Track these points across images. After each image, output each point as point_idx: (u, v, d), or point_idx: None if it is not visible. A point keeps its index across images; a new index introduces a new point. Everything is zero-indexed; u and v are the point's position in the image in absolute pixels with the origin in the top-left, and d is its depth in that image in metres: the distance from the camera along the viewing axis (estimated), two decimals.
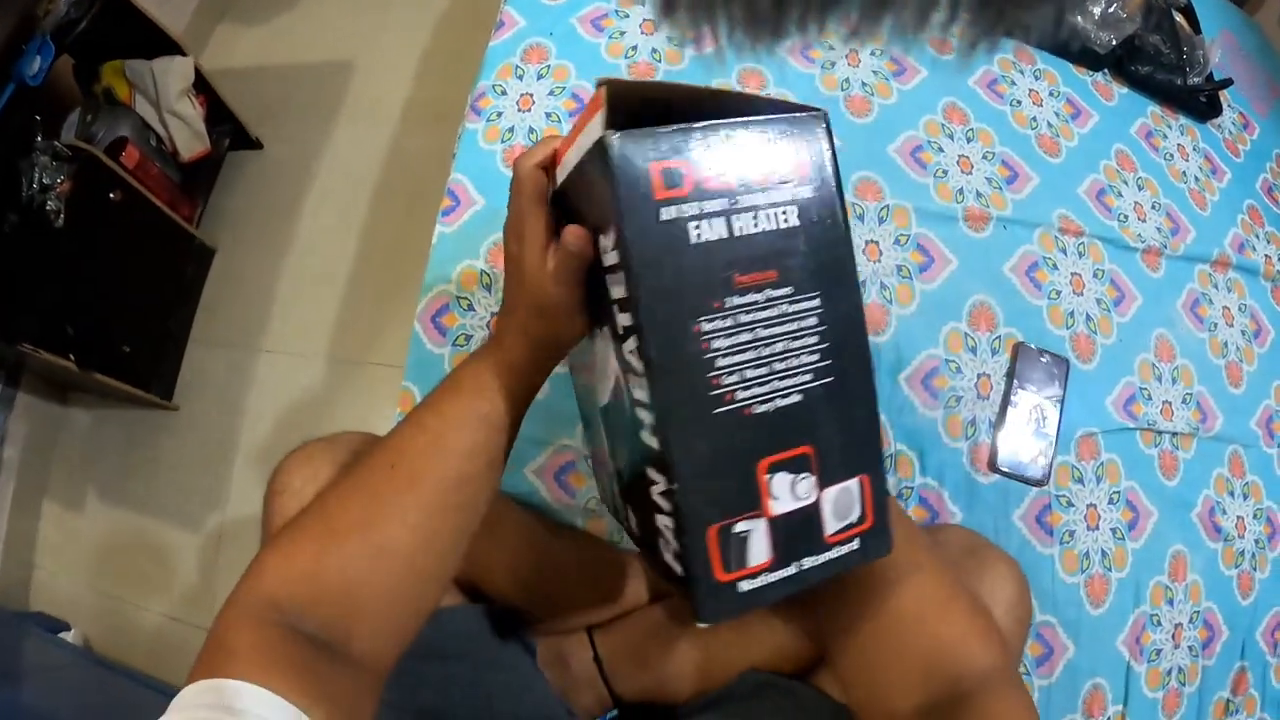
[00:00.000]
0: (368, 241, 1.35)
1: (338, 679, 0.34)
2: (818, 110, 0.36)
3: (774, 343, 0.35)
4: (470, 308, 0.75)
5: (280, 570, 0.36)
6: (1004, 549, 0.66)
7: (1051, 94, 0.94)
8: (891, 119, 0.86)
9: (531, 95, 0.84)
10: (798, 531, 0.36)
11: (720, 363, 0.34)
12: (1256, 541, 0.83)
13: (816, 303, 0.35)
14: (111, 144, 1.15)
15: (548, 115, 0.82)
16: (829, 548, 0.37)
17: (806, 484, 0.36)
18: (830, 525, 0.37)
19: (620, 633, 0.63)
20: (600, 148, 0.33)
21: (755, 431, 0.35)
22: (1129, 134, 0.95)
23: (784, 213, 0.35)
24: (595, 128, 0.34)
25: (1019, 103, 0.91)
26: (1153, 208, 0.91)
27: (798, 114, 0.36)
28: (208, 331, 1.33)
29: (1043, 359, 0.79)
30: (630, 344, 0.34)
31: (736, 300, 0.34)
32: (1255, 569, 0.82)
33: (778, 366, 0.35)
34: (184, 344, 1.30)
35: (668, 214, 0.33)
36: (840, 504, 0.37)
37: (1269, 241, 0.95)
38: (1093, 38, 0.96)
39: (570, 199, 0.39)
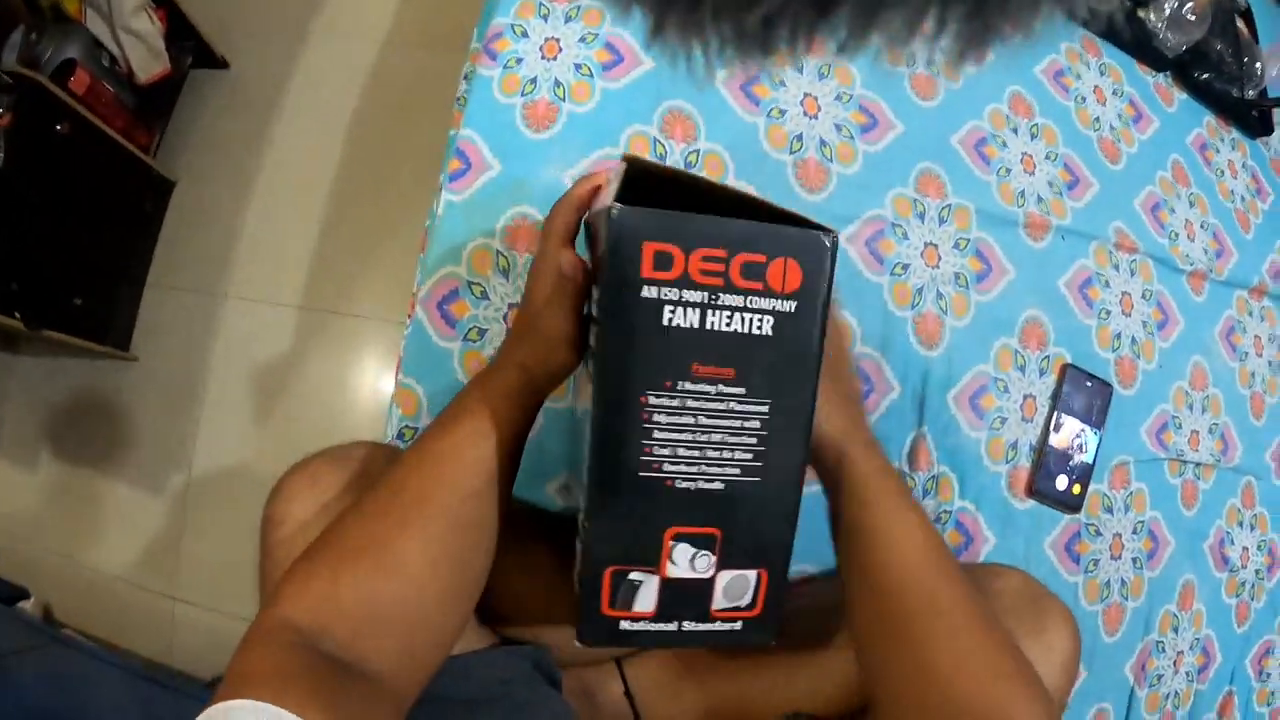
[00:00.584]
0: (344, 176, 1.18)
1: (356, 699, 0.33)
2: (830, 231, 0.36)
3: (713, 432, 0.37)
4: (484, 295, 0.63)
5: (296, 596, 0.35)
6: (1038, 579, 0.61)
7: (1115, 93, 0.84)
8: (957, 104, 0.76)
9: (558, 41, 0.69)
10: (686, 597, 0.40)
11: (657, 435, 0.37)
12: (1257, 572, 0.81)
13: (766, 409, 0.38)
14: (59, 67, 0.96)
15: (577, 67, 0.68)
16: (712, 620, 0.40)
17: (705, 561, 0.39)
18: (719, 602, 0.40)
19: (652, 665, 0.57)
20: (606, 214, 0.34)
21: (672, 502, 0.38)
22: (1185, 144, 0.87)
23: (760, 320, 0.37)
24: (609, 194, 0.37)
25: (1084, 99, 0.82)
26: (1201, 227, 0.84)
27: (809, 231, 0.36)
28: (167, 274, 1.16)
29: (1088, 384, 0.73)
30: (590, 390, 0.37)
31: (689, 386, 0.36)
32: (1253, 599, 0.80)
33: (710, 454, 0.38)
34: (141, 287, 1.14)
35: (649, 292, 0.35)
36: (733, 587, 0.40)
37: None
38: (1160, 38, 0.87)
39: (590, 234, 0.41)
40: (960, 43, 0.17)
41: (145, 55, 1.06)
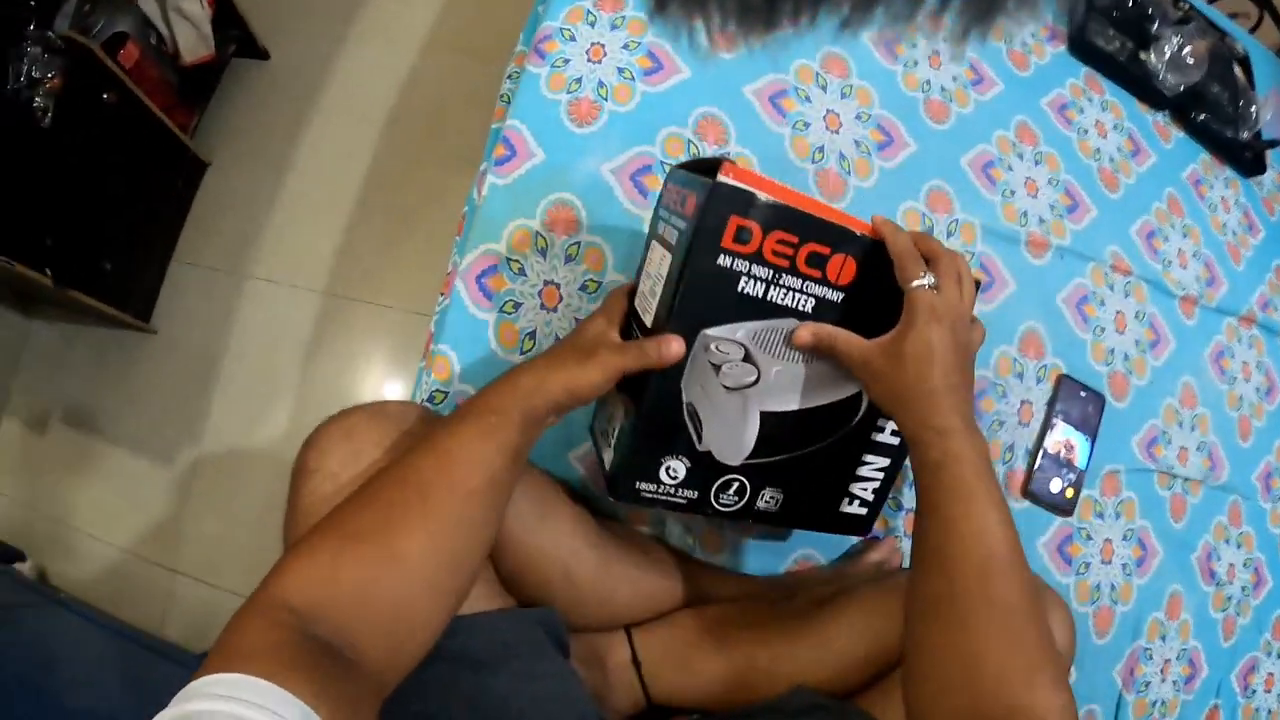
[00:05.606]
0: (375, 172, 1.26)
1: (343, 682, 0.35)
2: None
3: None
4: (521, 272, 0.70)
5: (299, 574, 0.37)
6: None
7: (1116, 127, 0.93)
8: (967, 129, 0.84)
9: (603, 46, 0.77)
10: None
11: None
12: (1243, 589, 0.86)
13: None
14: (109, 39, 1.04)
15: (620, 71, 0.76)
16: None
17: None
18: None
19: (661, 634, 0.61)
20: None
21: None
22: (1180, 179, 0.95)
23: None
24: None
25: (1086, 131, 0.90)
26: (1194, 256, 0.92)
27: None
28: (194, 252, 1.23)
29: (1082, 393, 0.79)
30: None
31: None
32: (1239, 614, 0.86)
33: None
34: (167, 263, 1.20)
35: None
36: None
37: None
38: (1160, 78, 0.96)
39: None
40: (964, 19, 0.18)
41: (192, 38, 1.14)
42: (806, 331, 0.49)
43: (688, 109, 0.75)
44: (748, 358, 0.50)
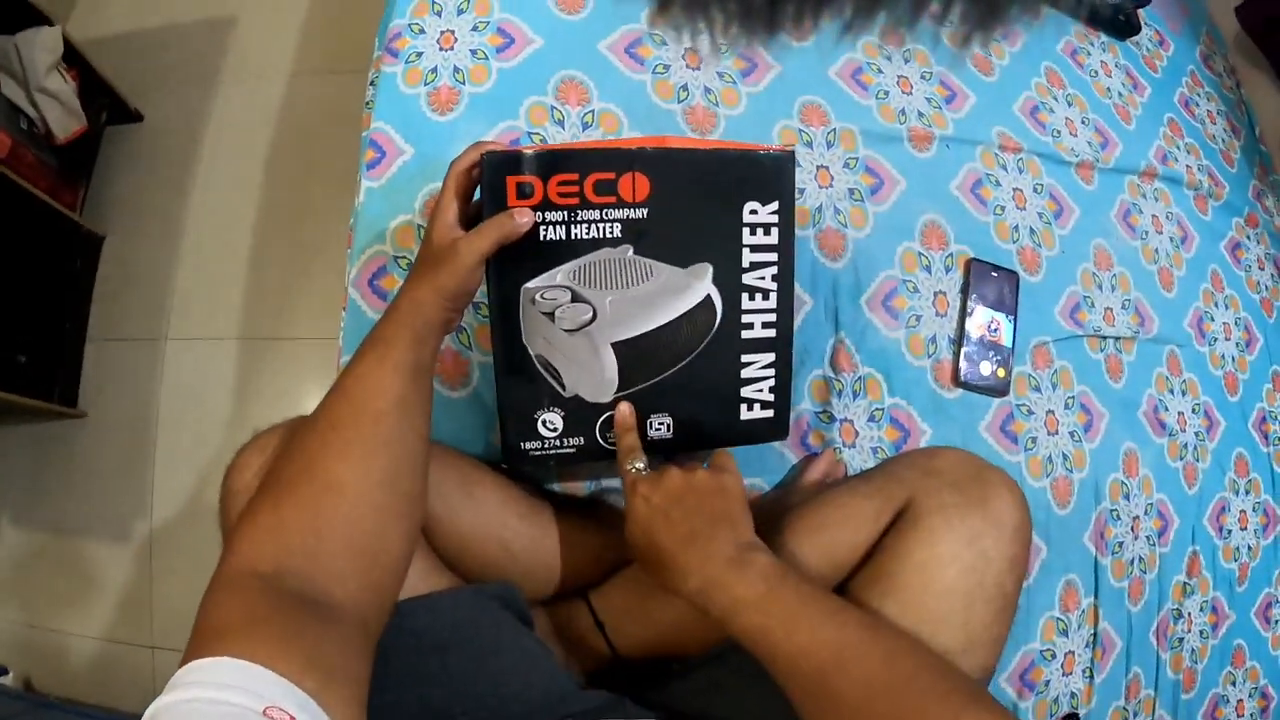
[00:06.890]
0: (267, 208, 1.25)
1: (325, 639, 0.34)
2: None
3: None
4: (410, 267, 0.69)
5: (248, 537, 0.38)
6: None
7: None
8: (830, 43, 0.84)
9: (453, 32, 0.77)
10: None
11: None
12: (1196, 434, 0.88)
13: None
14: None
15: (473, 53, 0.76)
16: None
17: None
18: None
19: (619, 592, 0.60)
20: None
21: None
22: (1056, 51, 0.97)
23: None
24: None
25: (952, 22, 0.91)
26: (1082, 123, 0.93)
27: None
28: (107, 326, 1.21)
29: (994, 274, 0.80)
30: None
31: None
32: (1197, 460, 0.87)
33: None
34: (82, 343, 1.18)
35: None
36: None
37: (1188, 152, 1.00)
38: None
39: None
40: (967, 24, 0.18)
41: (62, 114, 1.13)
42: None
43: (546, 76, 0.75)
44: (576, 298, 0.52)
